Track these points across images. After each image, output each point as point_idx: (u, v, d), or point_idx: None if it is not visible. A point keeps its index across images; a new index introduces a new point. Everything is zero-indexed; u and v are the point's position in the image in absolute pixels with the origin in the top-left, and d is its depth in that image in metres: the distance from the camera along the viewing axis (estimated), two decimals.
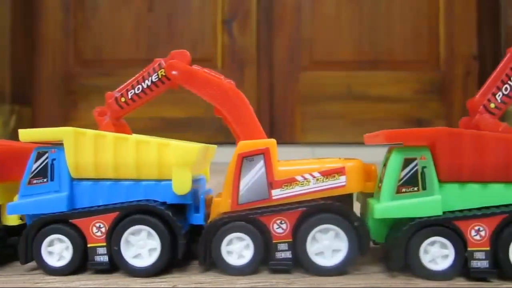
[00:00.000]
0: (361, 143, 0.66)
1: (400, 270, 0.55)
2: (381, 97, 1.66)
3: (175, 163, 0.54)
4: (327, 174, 0.55)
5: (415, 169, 0.53)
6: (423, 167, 0.53)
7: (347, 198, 0.57)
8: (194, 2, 1.71)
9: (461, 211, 0.53)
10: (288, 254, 0.55)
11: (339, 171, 0.55)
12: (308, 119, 1.68)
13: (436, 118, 1.65)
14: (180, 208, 0.57)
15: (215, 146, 0.66)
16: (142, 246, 0.55)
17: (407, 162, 0.53)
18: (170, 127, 1.67)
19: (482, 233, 0.52)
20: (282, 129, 1.70)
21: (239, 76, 1.69)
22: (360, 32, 1.70)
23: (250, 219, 0.55)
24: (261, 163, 0.55)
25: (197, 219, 0.57)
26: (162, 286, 0.51)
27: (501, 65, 0.59)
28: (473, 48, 1.68)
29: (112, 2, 1.71)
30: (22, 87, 1.65)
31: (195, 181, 0.59)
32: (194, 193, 0.57)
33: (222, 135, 1.67)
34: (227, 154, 0.65)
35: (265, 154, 0.55)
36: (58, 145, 0.56)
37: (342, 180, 0.55)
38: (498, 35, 1.61)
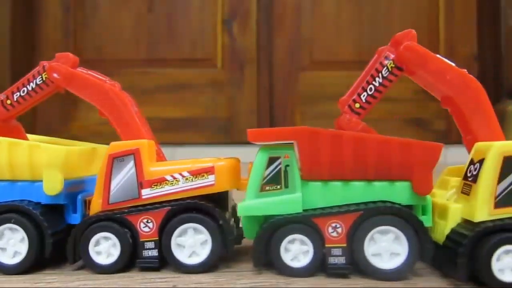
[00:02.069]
0: None
1: (266, 266, 0.56)
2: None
3: (45, 164, 0.56)
4: (196, 173, 0.56)
5: (278, 167, 0.54)
6: (286, 166, 0.54)
7: (222, 197, 0.58)
8: (194, 2, 1.71)
9: (323, 208, 0.54)
10: (154, 252, 0.56)
11: (208, 171, 0.56)
12: (308, 119, 1.68)
13: (436, 118, 1.65)
14: (58, 208, 0.58)
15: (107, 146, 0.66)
16: (12, 244, 0.56)
17: (271, 160, 0.54)
18: (170, 127, 1.67)
19: (339, 230, 0.53)
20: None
21: (239, 76, 1.69)
22: (360, 32, 1.70)
23: (117, 218, 0.56)
24: (131, 164, 0.56)
25: (74, 219, 0.58)
26: (162, 286, 0.51)
27: (368, 65, 0.59)
28: (473, 48, 1.69)
29: (112, 2, 1.71)
30: None
31: (78, 182, 0.60)
32: (74, 194, 0.59)
33: (222, 135, 1.67)
34: (227, 155, 0.65)
35: (135, 154, 0.56)
36: None
37: (211, 179, 0.56)
38: (498, 35, 1.62)
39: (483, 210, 0.50)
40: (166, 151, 0.65)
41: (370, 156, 0.53)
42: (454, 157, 0.95)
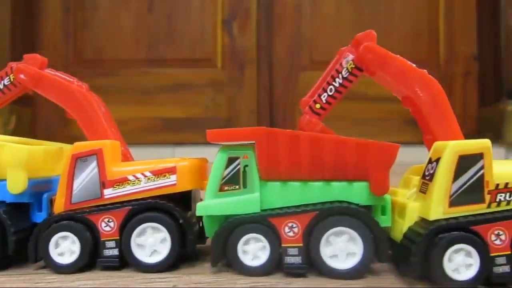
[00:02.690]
0: None
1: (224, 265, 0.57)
2: (381, 97, 1.66)
3: (8, 163, 0.57)
4: (158, 173, 0.57)
5: (237, 168, 0.55)
6: (245, 166, 0.55)
7: (186, 196, 0.59)
8: (194, 2, 1.71)
9: (280, 208, 0.54)
10: (115, 252, 0.57)
11: (170, 171, 0.57)
12: None
13: None
14: (23, 207, 0.59)
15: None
16: None
17: (230, 161, 0.55)
18: (170, 127, 1.67)
19: (295, 230, 0.54)
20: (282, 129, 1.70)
21: (239, 76, 1.69)
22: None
23: (79, 218, 0.57)
24: (94, 164, 0.57)
25: (39, 217, 0.59)
26: (162, 286, 0.51)
27: (329, 66, 0.60)
28: (473, 48, 1.69)
29: (112, 2, 1.71)
30: None
31: (44, 181, 0.61)
32: (40, 192, 0.60)
33: None
34: None
35: (97, 154, 0.57)
36: None
37: (172, 179, 0.57)
38: (498, 35, 1.61)
39: (438, 208, 0.50)
40: (166, 151, 0.65)
41: (327, 156, 0.54)
42: None
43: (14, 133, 1.59)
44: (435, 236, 0.49)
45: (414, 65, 0.57)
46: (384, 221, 0.55)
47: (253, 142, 0.54)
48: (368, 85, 1.67)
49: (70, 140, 0.71)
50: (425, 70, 0.57)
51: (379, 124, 1.66)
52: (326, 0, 1.71)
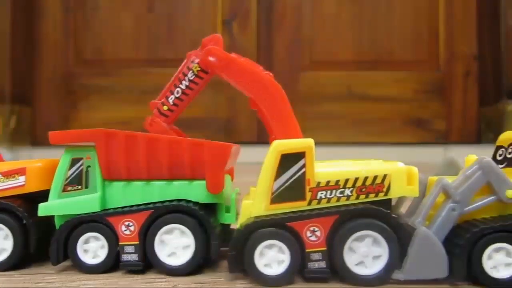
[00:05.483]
0: (361, 143, 0.66)
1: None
2: (381, 97, 1.66)
3: None
4: (7, 174, 0.58)
5: (80, 168, 0.56)
6: (88, 167, 0.56)
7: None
8: (194, 2, 1.71)
9: (123, 207, 0.56)
10: None
11: (19, 172, 0.58)
12: (308, 119, 1.68)
13: (436, 118, 1.65)
14: None
15: None
16: None
17: (74, 161, 0.57)
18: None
19: (132, 228, 0.55)
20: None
21: None
22: (360, 32, 1.70)
23: None
24: None
25: None
26: (163, 286, 0.51)
27: (179, 69, 0.62)
28: (473, 48, 1.69)
29: (112, 2, 1.71)
30: (22, 87, 1.66)
31: None
32: None
33: (222, 135, 1.67)
34: None
35: None
36: None
37: (21, 180, 0.58)
38: (498, 35, 1.61)
39: (260, 205, 0.52)
40: None
41: (162, 156, 0.55)
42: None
43: (14, 133, 1.59)
44: (251, 233, 0.51)
45: (259, 68, 0.59)
46: (228, 218, 0.57)
47: (93, 143, 0.56)
48: (368, 85, 1.68)
49: None
50: (270, 73, 0.59)
51: (379, 124, 1.66)
52: (326, 0, 1.71)
